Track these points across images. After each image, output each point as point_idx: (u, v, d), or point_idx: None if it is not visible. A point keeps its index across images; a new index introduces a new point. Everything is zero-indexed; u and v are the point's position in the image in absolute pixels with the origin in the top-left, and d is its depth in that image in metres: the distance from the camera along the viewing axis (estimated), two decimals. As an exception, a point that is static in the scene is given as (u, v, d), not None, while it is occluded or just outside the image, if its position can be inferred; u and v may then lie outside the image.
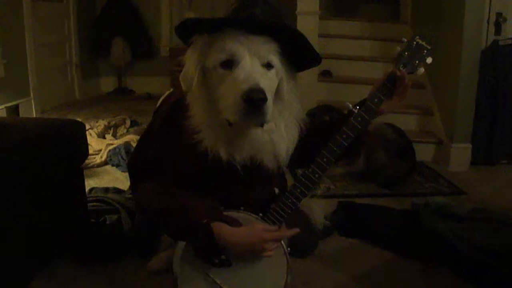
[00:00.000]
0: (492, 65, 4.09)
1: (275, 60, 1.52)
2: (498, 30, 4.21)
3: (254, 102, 1.38)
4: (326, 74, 5.02)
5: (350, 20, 5.91)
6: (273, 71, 1.53)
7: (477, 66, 4.02)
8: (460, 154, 4.08)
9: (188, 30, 1.56)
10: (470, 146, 4.09)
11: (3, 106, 4.90)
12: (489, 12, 4.15)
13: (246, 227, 1.65)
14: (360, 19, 6.03)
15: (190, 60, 1.55)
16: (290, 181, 2.01)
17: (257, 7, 1.52)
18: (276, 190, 1.83)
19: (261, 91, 1.38)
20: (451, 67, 4.08)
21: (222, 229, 1.62)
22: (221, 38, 1.49)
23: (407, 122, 4.43)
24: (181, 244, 1.72)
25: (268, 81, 1.49)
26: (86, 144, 2.58)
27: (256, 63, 1.48)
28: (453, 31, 4.07)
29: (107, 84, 7.40)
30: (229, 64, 1.47)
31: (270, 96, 1.45)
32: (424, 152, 4.21)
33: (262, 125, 1.51)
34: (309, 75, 4.20)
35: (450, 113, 4.18)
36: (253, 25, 1.48)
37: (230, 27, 1.49)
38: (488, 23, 4.18)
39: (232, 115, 1.44)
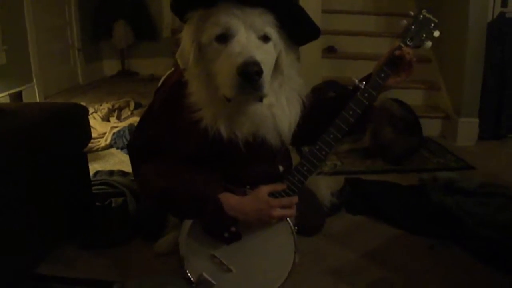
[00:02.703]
0: (499, 38, 4.03)
1: (272, 32, 1.49)
2: (504, 2, 4.15)
3: (249, 76, 1.36)
4: (330, 50, 4.97)
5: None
6: (270, 43, 1.50)
7: (484, 39, 3.96)
8: (468, 129, 4.05)
9: (183, 6, 1.53)
10: (477, 120, 4.06)
11: (6, 93, 4.88)
12: (495, -16, 4.09)
13: (252, 194, 1.65)
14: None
15: (186, 37, 1.53)
16: (295, 159, 1.98)
17: None
18: (281, 168, 1.81)
19: (256, 64, 1.36)
20: (457, 41, 4.03)
21: (229, 199, 1.63)
22: (215, 12, 1.46)
23: (414, 97, 4.39)
24: (187, 225, 1.70)
25: (265, 53, 1.47)
26: (89, 128, 2.55)
27: (252, 36, 1.45)
28: (458, 4, 4.01)
29: (110, 67, 7.38)
30: (224, 38, 1.45)
31: (267, 69, 1.43)
32: (431, 127, 4.20)
33: (261, 100, 1.49)
34: (313, 51, 4.17)
35: (457, 88, 4.14)
36: None
37: (225, 1, 1.46)
38: (494, -6, 4.12)
39: (228, 90, 1.42)
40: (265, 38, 1.48)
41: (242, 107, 1.56)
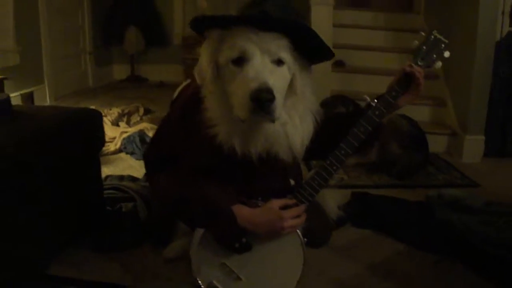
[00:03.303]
0: (507, 56, 4.06)
1: (286, 56, 1.53)
2: (513, 21, 4.18)
3: (261, 102, 1.41)
4: (339, 64, 5.00)
5: (363, 10, 5.89)
6: (284, 67, 1.54)
7: (492, 57, 3.99)
8: (474, 146, 4.06)
9: (202, 24, 1.59)
10: (483, 138, 4.08)
11: (18, 93, 4.95)
12: (504, 3, 4.09)
13: (264, 206, 1.69)
14: (373, 9, 6.01)
15: (204, 55, 1.58)
16: (304, 171, 2.02)
17: (268, 3, 1.53)
18: (292, 182, 1.85)
19: (269, 91, 1.41)
20: (465, 59, 4.05)
21: (241, 211, 1.67)
22: (232, 35, 1.51)
23: (421, 113, 4.41)
24: (199, 233, 1.74)
25: (278, 77, 1.52)
26: (103, 132, 2.61)
27: (266, 60, 1.50)
28: (467, 22, 4.05)
29: (120, 71, 7.43)
30: (240, 61, 1.50)
31: (279, 93, 1.48)
32: (438, 144, 4.21)
33: (273, 121, 1.53)
34: (323, 65, 4.14)
35: (463, 105, 4.16)
36: (264, 22, 1.50)
37: (241, 24, 1.51)
38: (503, 14, 4.14)
39: (241, 112, 1.47)
40: (279, 62, 1.53)
41: (256, 125, 1.60)
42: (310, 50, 1.61)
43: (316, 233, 2.35)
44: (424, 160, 3.66)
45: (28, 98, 5.16)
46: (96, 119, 2.54)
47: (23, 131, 2.09)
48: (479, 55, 3.95)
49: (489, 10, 3.91)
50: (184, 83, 2.01)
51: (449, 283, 2.25)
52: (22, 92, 5.03)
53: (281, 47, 1.52)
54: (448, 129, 4.35)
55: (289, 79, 1.59)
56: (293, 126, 1.67)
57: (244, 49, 1.49)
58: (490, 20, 3.94)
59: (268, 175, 1.75)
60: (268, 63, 1.50)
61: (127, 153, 3.94)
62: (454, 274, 2.31)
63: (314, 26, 4.27)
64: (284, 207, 1.69)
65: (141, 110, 5.11)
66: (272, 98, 1.42)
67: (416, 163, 3.60)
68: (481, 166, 3.97)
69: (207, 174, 1.73)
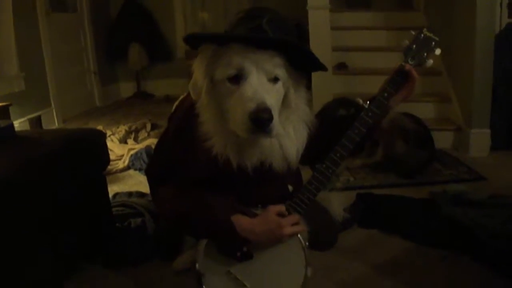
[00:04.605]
0: (507, 48, 4.06)
1: (281, 73, 1.55)
2: (511, 13, 4.18)
3: (260, 122, 1.42)
4: (341, 67, 5.02)
5: (362, 11, 5.91)
6: (279, 83, 1.56)
7: (492, 50, 3.98)
8: (479, 140, 4.07)
9: (196, 39, 1.61)
10: (489, 131, 4.08)
11: (25, 118, 5.02)
12: (502, -5, 4.12)
13: (262, 216, 1.71)
14: (373, 9, 6.03)
15: (198, 71, 1.59)
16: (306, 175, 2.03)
17: (263, 19, 1.54)
18: (290, 188, 1.87)
19: (267, 111, 1.43)
20: (466, 53, 4.07)
21: (240, 221, 1.68)
22: (228, 52, 1.52)
23: (425, 110, 4.43)
24: (203, 243, 1.77)
25: (274, 94, 1.54)
26: (107, 152, 2.65)
27: (263, 79, 1.51)
28: (466, 16, 4.06)
29: (127, 89, 7.51)
30: (237, 78, 1.51)
31: (276, 110, 1.50)
32: (443, 140, 4.22)
33: (270, 138, 1.56)
34: (324, 69, 4.20)
35: (467, 99, 4.17)
36: (261, 41, 1.52)
37: (237, 41, 1.52)
38: (501, 6, 4.15)
39: (239, 131, 1.49)
40: (275, 79, 1.54)
41: (251, 139, 1.62)
42: (305, 63, 1.63)
43: (322, 236, 2.37)
44: (430, 157, 3.67)
45: (36, 122, 5.23)
46: (98, 139, 2.57)
47: (26, 155, 2.13)
48: (479, 48, 3.95)
49: (487, 3, 3.91)
50: (181, 97, 2.03)
51: (457, 278, 2.25)
52: (29, 116, 5.10)
53: (277, 65, 1.53)
54: (453, 125, 4.36)
55: (283, 93, 1.61)
56: (287, 138, 1.69)
57: (241, 66, 1.49)
58: (488, 12, 3.94)
59: (265, 183, 1.77)
60: (265, 82, 1.52)
61: (135, 169, 3.98)
62: (461, 269, 2.32)
63: (312, 30, 4.33)
64: (283, 213, 1.71)
65: (149, 126, 5.16)
66: (271, 118, 1.43)
67: (423, 160, 3.60)
68: (488, 159, 3.97)
69: (206, 186, 1.75)
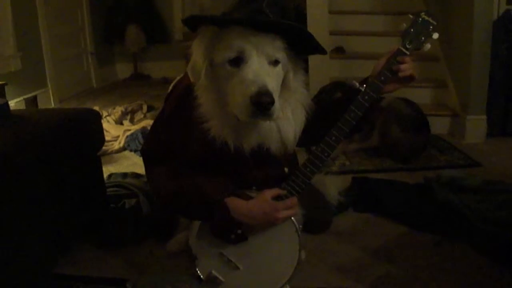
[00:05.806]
0: (505, 35, 4.04)
1: (281, 56, 1.54)
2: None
3: (261, 105, 1.42)
4: (339, 51, 5.00)
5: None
6: (279, 66, 1.56)
7: (490, 37, 3.97)
8: (476, 126, 4.07)
9: (196, 21, 1.59)
10: (485, 117, 4.08)
11: (21, 98, 5.01)
12: (500, -19, 4.09)
13: (257, 197, 1.71)
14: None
15: (198, 52, 1.58)
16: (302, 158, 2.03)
17: (263, 1, 1.53)
18: (286, 170, 1.86)
19: (269, 94, 1.42)
20: (464, 39, 4.05)
21: (235, 203, 1.68)
22: (228, 34, 1.51)
23: (421, 96, 4.42)
24: (196, 224, 1.78)
25: (275, 78, 1.53)
26: (102, 132, 2.64)
27: (263, 62, 1.50)
28: (464, 2, 4.02)
29: (123, 70, 7.49)
30: (237, 61, 1.50)
31: (276, 95, 1.49)
32: (440, 125, 4.23)
33: (270, 121, 1.55)
34: (322, 52, 4.19)
35: (464, 85, 4.16)
36: (261, 24, 1.51)
37: (237, 24, 1.51)
38: (499, -8, 4.13)
39: (240, 114, 1.48)
40: (275, 62, 1.54)
41: (250, 122, 1.62)
42: (304, 46, 1.63)
43: (317, 219, 2.39)
44: (426, 142, 3.67)
45: (32, 102, 5.21)
46: (93, 119, 2.57)
47: (22, 135, 2.12)
48: (477, 34, 3.93)
49: (485, -11, 3.88)
50: (178, 78, 2.02)
51: (451, 262, 2.26)
52: (25, 96, 5.09)
53: (277, 48, 1.53)
54: (449, 111, 4.36)
55: (283, 76, 1.61)
56: (285, 120, 1.69)
57: (241, 49, 1.49)
58: (486, -2, 3.92)
59: (261, 165, 1.76)
60: (265, 65, 1.51)
61: (130, 150, 3.98)
62: (455, 253, 2.33)
63: (310, 13, 4.31)
64: (278, 197, 1.71)
65: (145, 108, 5.15)
66: (272, 102, 1.43)
67: (418, 145, 3.61)
68: (484, 146, 3.97)
69: (202, 167, 1.75)
